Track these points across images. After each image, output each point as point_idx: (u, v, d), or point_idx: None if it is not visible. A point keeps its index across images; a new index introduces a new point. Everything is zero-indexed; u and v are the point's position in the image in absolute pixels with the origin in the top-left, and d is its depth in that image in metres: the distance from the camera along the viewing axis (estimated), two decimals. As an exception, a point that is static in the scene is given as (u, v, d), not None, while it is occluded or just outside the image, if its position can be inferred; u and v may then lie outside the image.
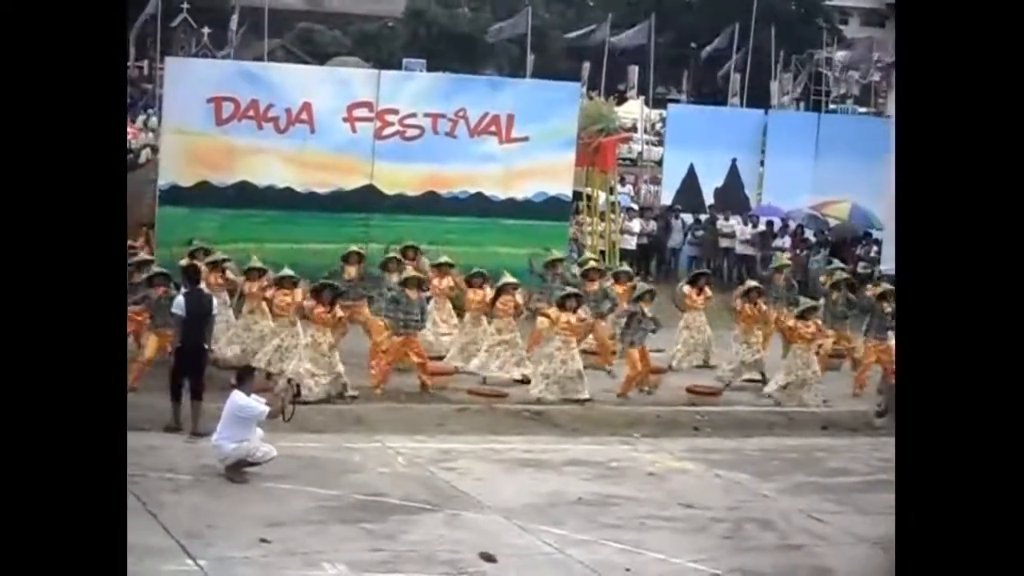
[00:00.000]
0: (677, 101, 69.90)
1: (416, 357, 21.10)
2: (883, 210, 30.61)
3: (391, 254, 23.54)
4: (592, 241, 31.28)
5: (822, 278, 26.93)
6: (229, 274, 22.49)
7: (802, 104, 77.04)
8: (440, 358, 22.83)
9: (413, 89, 27.74)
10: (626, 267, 26.82)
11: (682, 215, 35.95)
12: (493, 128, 27.32)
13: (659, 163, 44.23)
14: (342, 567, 13.48)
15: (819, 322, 22.77)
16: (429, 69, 59.04)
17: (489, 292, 22.60)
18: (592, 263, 25.42)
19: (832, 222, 34.92)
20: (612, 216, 32.46)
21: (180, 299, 18.37)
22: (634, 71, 73.32)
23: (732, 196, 36.40)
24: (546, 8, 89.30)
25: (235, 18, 73.24)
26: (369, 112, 26.57)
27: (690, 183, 36.64)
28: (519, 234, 27.09)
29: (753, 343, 23.45)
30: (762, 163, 37.55)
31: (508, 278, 22.59)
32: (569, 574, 14.01)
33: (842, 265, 28.13)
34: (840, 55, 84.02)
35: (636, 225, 34.68)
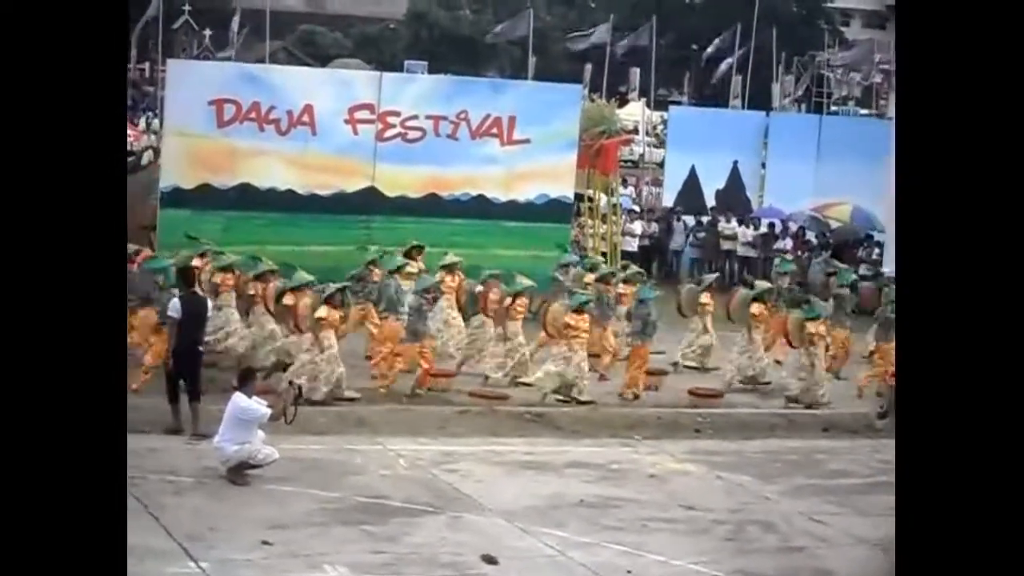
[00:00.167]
0: (679, 103, 69.92)
1: (424, 362, 21.09)
2: (884, 212, 30.64)
3: (403, 261, 23.41)
4: (594, 243, 31.29)
5: (830, 280, 26.92)
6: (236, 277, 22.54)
7: (803, 106, 77.01)
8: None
9: (414, 91, 27.79)
10: (636, 269, 26.75)
11: (683, 217, 35.95)
12: (495, 130, 27.36)
13: (660, 165, 44.22)
14: (343, 569, 13.49)
15: (828, 323, 22.79)
16: (431, 71, 59.05)
17: (502, 295, 22.61)
18: (604, 267, 25.49)
19: (833, 224, 34.92)
20: (614, 218, 32.45)
21: (176, 302, 18.38)
22: (635, 73, 73.31)
23: (733, 198, 36.41)
24: (548, 10, 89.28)
25: (236, 20, 73.21)
26: (371, 114, 26.61)
27: (691, 185, 36.64)
28: (520, 236, 27.14)
29: (762, 346, 23.50)
30: (763, 165, 37.56)
31: (524, 281, 22.64)
32: (570, 576, 14.03)
33: (844, 267, 28.04)
34: (841, 57, 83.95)
35: (638, 227, 34.72)
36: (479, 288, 23.17)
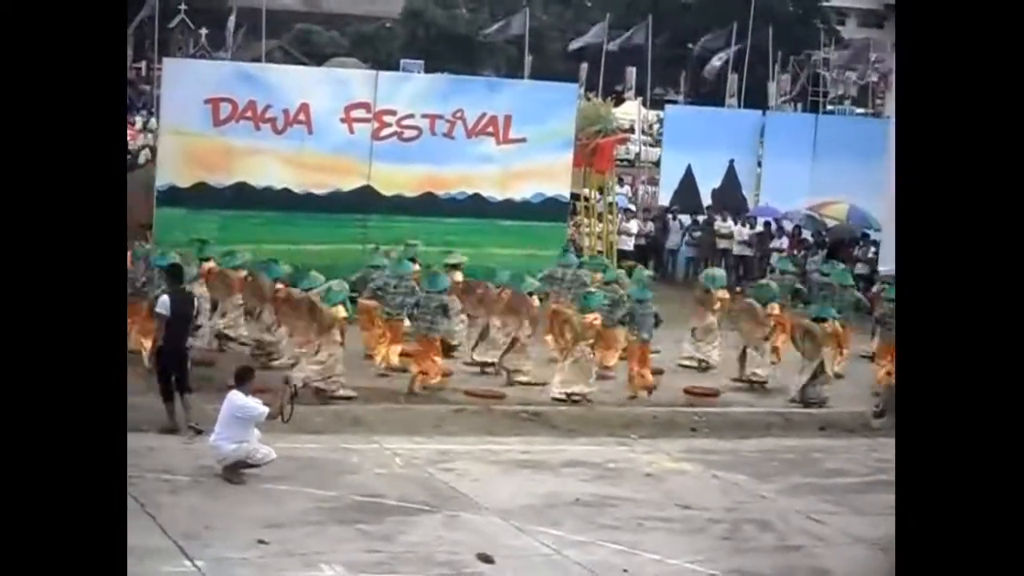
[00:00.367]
0: (675, 102, 69.91)
1: (433, 362, 21.12)
2: (881, 211, 30.64)
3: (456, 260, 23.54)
4: (590, 242, 31.27)
5: (830, 279, 26.92)
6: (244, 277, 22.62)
7: (799, 105, 77.02)
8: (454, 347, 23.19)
9: (411, 90, 27.79)
10: (648, 272, 26.74)
11: (680, 216, 35.94)
12: (491, 129, 27.35)
13: (657, 164, 44.25)
14: (339, 568, 13.48)
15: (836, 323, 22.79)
16: (427, 70, 59.05)
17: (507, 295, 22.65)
18: (611, 268, 25.50)
19: (830, 223, 34.92)
20: (610, 217, 32.46)
21: (165, 299, 18.32)
22: (632, 72, 73.34)
23: (730, 197, 36.40)
24: (544, 9, 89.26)
25: (232, 19, 73.18)
26: (367, 113, 26.60)
27: (688, 184, 36.63)
28: (517, 235, 27.14)
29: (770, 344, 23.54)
30: (760, 164, 37.56)
31: (533, 282, 22.68)
32: (566, 575, 14.00)
33: (843, 266, 28.00)
34: (838, 56, 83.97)
35: (634, 226, 34.72)
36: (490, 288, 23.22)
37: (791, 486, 17.99)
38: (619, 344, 22.71)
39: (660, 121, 52.95)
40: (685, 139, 37.06)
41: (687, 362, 24.27)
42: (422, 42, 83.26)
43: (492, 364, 22.35)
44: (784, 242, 34.18)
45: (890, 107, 49.00)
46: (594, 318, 21.24)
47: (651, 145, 54.56)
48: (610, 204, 32.82)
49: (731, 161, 36.62)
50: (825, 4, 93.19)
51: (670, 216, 35.90)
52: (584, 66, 70.66)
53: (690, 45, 78.63)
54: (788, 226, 34.81)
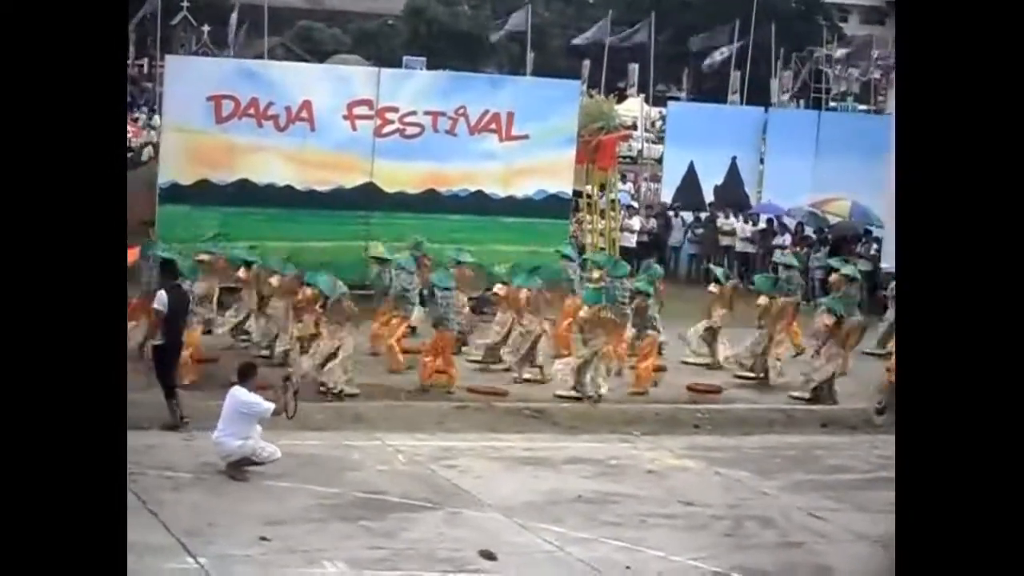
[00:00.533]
0: (677, 99, 69.95)
1: (445, 355, 21.16)
2: (883, 208, 30.62)
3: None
4: (592, 239, 31.28)
5: (833, 276, 26.89)
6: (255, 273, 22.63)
7: (802, 102, 77.03)
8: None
9: (413, 87, 27.81)
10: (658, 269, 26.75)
11: (682, 213, 35.94)
12: (493, 126, 27.38)
13: (659, 161, 44.29)
14: (342, 565, 13.48)
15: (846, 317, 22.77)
16: (429, 67, 59.03)
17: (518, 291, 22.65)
18: (623, 265, 25.50)
19: (832, 220, 34.90)
20: (612, 214, 32.46)
21: (163, 295, 18.30)
22: (634, 69, 73.35)
23: (732, 194, 36.40)
24: (546, 6, 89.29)
25: (235, 16, 73.24)
26: (369, 110, 26.63)
27: (690, 181, 36.63)
28: (519, 232, 27.16)
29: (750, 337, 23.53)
30: (762, 161, 37.55)
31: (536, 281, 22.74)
32: (569, 572, 14.01)
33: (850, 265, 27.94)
34: (840, 52, 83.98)
35: (636, 223, 34.71)
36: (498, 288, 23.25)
37: (793, 483, 17.99)
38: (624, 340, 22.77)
39: (662, 118, 52.93)
40: (687, 136, 37.05)
41: (692, 359, 24.26)
42: (424, 39, 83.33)
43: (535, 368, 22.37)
44: (786, 239, 34.16)
45: (892, 104, 48.93)
46: (608, 314, 21.32)
47: (653, 142, 54.59)
48: (612, 201, 32.82)
49: (733, 158, 36.61)
50: (827, 1, 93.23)
51: (672, 213, 35.89)
52: (586, 63, 70.78)
53: (692, 41, 78.64)
54: (790, 223, 34.78)
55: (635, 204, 38.13)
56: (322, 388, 19.93)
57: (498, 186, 27.48)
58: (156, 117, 48.30)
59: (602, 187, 32.14)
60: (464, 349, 23.09)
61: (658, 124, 58.51)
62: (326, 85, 27.03)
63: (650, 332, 22.27)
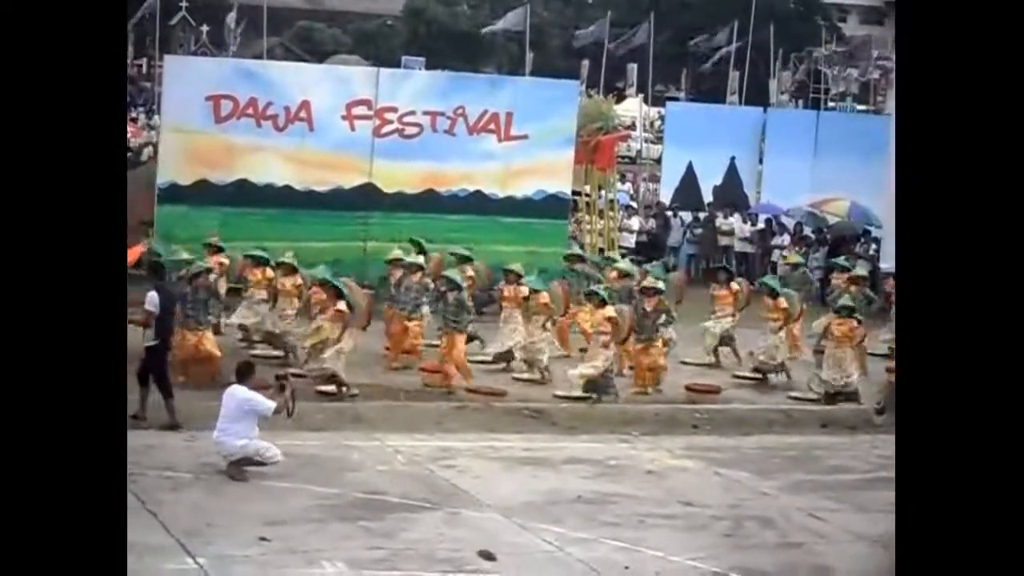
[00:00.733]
0: (676, 99, 69.96)
1: (456, 357, 21.22)
2: (882, 208, 30.64)
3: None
4: (591, 239, 31.28)
5: (834, 275, 26.87)
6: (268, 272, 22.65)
7: (800, 102, 77.03)
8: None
9: (412, 87, 27.81)
10: (657, 265, 26.73)
11: (681, 213, 35.94)
12: (492, 126, 27.37)
13: (658, 161, 44.29)
14: (341, 565, 13.47)
15: (857, 320, 22.73)
16: (428, 67, 59.09)
17: (524, 290, 22.64)
18: (623, 263, 25.48)
19: (831, 220, 34.91)
20: (611, 214, 32.46)
21: (154, 295, 18.27)
22: (633, 69, 73.35)
23: (731, 194, 36.39)
24: (545, 6, 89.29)
25: (234, 16, 73.23)
26: (368, 110, 26.62)
27: (689, 181, 36.61)
28: (518, 232, 27.15)
29: (769, 338, 23.46)
30: (761, 161, 37.53)
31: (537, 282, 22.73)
32: (568, 572, 14.00)
33: (843, 263, 27.90)
34: (839, 53, 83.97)
35: (635, 223, 34.73)
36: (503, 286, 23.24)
37: (793, 483, 17.98)
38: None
39: (661, 118, 52.96)
40: (686, 136, 37.03)
41: (691, 359, 24.26)
42: (423, 39, 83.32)
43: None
44: (785, 239, 34.18)
45: (891, 104, 48.95)
46: (602, 314, 21.32)
47: (652, 142, 54.61)
48: (611, 201, 32.82)
49: (732, 158, 36.59)
50: (826, 1, 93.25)
51: (671, 213, 35.89)
52: (585, 63, 70.78)
53: (691, 41, 78.67)
54: (789, 223, 34.80)
55: (634, 204, 38.14)
56: (321, 388, 19.95)
57: (497, 186, 27.47)
58: (156, 117, 48.27)
59: (601, 187, 32.13)
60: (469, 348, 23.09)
61: (657, 124, 58.53)
62: (325, 85, 27.02)
63: (663, 332, 22.28)
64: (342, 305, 20.30)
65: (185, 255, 21.89)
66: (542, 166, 27.68)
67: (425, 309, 22.64)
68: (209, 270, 21.19)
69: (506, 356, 22.66)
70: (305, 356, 20.86)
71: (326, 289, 20.67)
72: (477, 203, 27.23)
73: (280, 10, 78.16)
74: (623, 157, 47.52)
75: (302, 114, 26.16)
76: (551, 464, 17.93)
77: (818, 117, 41.60)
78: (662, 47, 75.04)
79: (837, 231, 34.28)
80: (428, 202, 26.87)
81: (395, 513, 15.26)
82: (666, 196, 37.42)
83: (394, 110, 26.78)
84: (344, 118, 26.47)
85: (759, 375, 23.36)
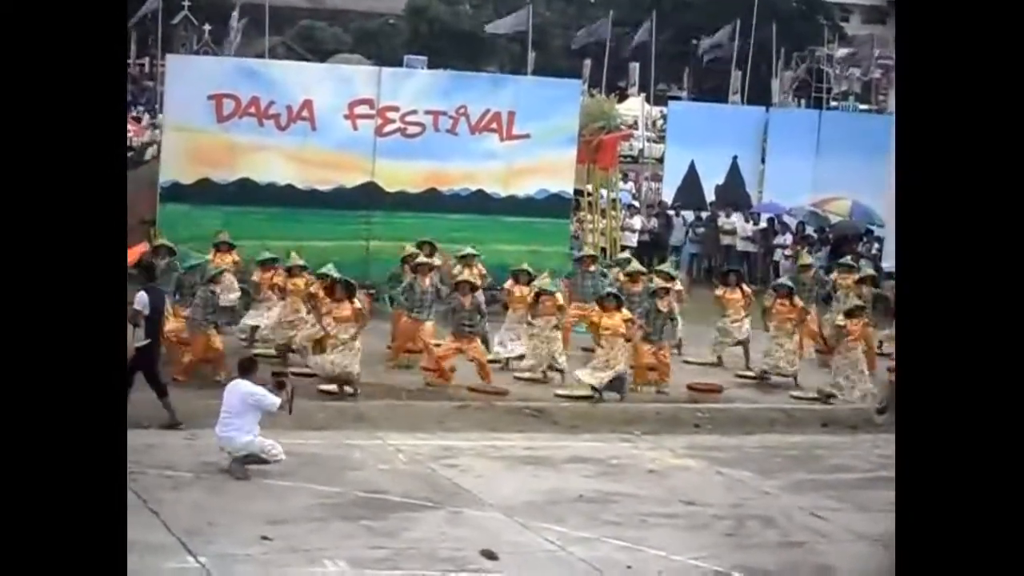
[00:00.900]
0: (678, 98, 69.91)
1: (478, 358, 21.34)
2: (884, 207, 30.65)
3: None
4: (593, 238, 31.27)
5: (835, 275, 26.85)
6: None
7: (803, 101, 76.99)
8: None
9: (414, 86, 27.82)
10: (668, 266, 26.73)
11: (683, 212, 35.93)
12: (494, 125, 27.38)
13: (660, 160, 44.22)
14: (343, 564, 13.47)
15: (866, 320, 22.70)
16: (430, 66, 59.00)
17: (531, 290, 22.64)
18: (635, 264, 25.41)
19: (833, 219, 34.92)
20: (613, 213, 32.45)
21: (143, 295, 18.28)
22: (635, 68, 73.31)
23: (733, 193, 36.37)
24: (547, 5, 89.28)
25: (236, 15, 73.26)
26: (370, 109, 26.64)
27: (691, 180, 36.59)
28: (520, 231, 27.16)
29: (786, 342, 23.37)
30: (763, 160, 37.51)
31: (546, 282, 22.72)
32: (570, 571, 14.00)
33: (851, 263, 27.84)
34: (841, 52, 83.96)
35: (637, 222, 34.71)
36: (509, 284, 23.21)
37: (794, 482, 17.98)
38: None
39: (664, 117, 52.86)
40: (689, 135, 37.01)
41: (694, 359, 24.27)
42: (425, 38, 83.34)
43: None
44: (787, 238, 34.18)
45: (893, 103, 48.90)
46: (612, 316, 21.32)
47: (655, 141, 54.51)
48: (613, 200, 32.81)
49: (734, 157, 36.57)
50: (829, 0, 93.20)
51: (673, 212, 35.89)
52: (587, 62, 70.73)
53: (694, 41, 78.66)
54: (791, 222, 34.80)
55: (636, 203, 38.12)
56: (326, 388, 19.97)
57: (499, 185, 27.48)
58: (158, 116, 48.26)
59: (603, 186, 32.12)
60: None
61: (659, 123, 58.45)
62: (327, 84, 27.03)
63: (671, 331, 22.32)
64: (357, 303, 20.37)
65: (194, 256, 21.94)
66: (544, 165, 27.69)
67: (434, 309, 22.61)
68: (224, 272, 21.36)
69: (520, 359, 22.65)
70: (312, 354, 20.89)
71: (338, 288, 20.61)
72: (479, 202, 27.24)
73: (282, 9, 78.21)
74: (625, 156, 47.48)
75: (304, 113, 26.18)
76: (553, 463, 17.94)
77: (820, 116, 41.59)
78: (664, 46, 75.02)
79: (839, 231, 34.30)
80: (430, 201, 26.88)
81: (397, 512, 15.26)
82: (668, 195, 37.39)
83: (396, 109, 26.80)
84: (346, 117, 26.48)
85: (762, 375, 23.34)
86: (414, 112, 26.86)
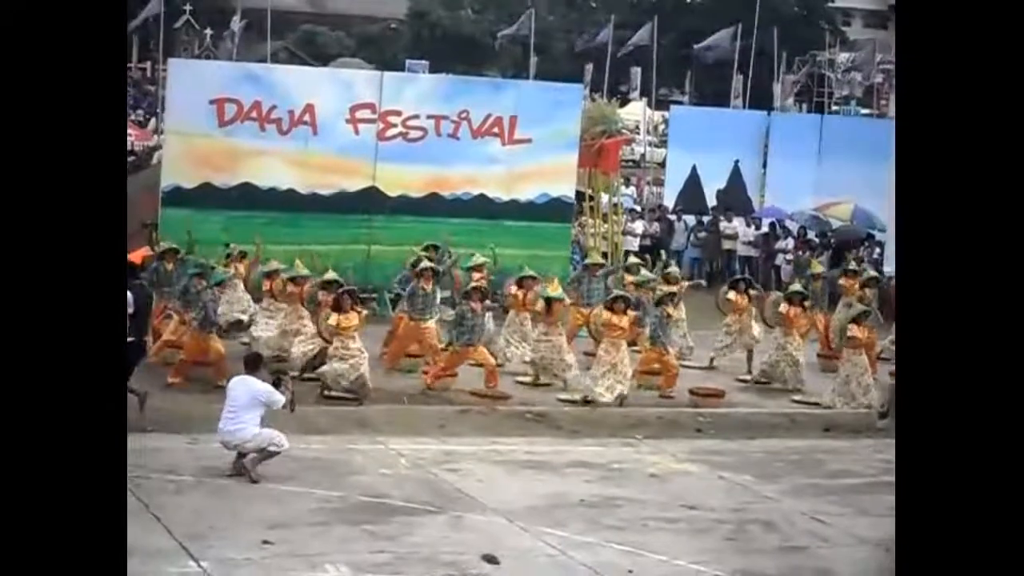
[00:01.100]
0: (680, 103, 69.86)
1: (486, 363, 21.33)
2: (886, 211, 30.61)
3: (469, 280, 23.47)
4: (595, 243, 31.27)
5: (841, 279, 26.82)
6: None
7: (804, 106, 76.98)
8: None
9: (416, 91, 27.84)
10: (674, 268, 26.68)
11: (685, 216, 35.93)
12: (496, 130, 27.40)
13: (662, 164, 44.16)
14: (344, 568, 13.48)
15: (872, 326, 22.68)
16: (432, 71, 59.04)
17: (536, 296, 22.61)
18: (644, 272, 25.36)
19: (835, 224, 34.91)
20: (615, 218, 32.44)
21: (127, 295, 18.27)
22: (637, 73, 73.30)
23: (735, 198, 36.36)
24: (549, 10, 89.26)
25: (238, 19, 73.20)
26: (372, 114, 26.66)
27: (693, 184, 36.59)
28: (522, 236, 27.16)
29: (792, 347, 23.31)
30: (765, 164, 37.49)
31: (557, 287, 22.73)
32: (571, 576, 14.03)
33: (856, 268, 27.78)
34: (843, 57, 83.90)
35: (639, 226, 34.70)
36: (513, 289, 23.20)
37: (796, 487, 17.98)
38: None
39: (665, 122, 52.83)
40: (690, 140, 37.00)
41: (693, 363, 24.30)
42: (427, 43, 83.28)
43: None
44: (789, 243, 34.16)
45: (894, 107, 48.89)
46: (619, 319, 21.30)
47: (656, 146, 54.47)
48: (615, 205, 32.78)
49: (736, 162, 36.56)
50: (830, 5, 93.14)
51: (675, 216, 35.89)
52: (589, 67, 70.71)
53: (695, 45, 78.65)
54: (793, 227, 34.79)
55: (638, 208, 38.11)
56: (335, 395, 20.00)
57: (501, 190, 27.51)
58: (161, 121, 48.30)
59: (605, 191, 32.11)
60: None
61: (661, 128, 58.41)
62: (329, 89, 27.06)
63: (677, 337, 22.35)
64: (364, 311, 20.44)
65: (220, 272, 21.96)
66: (546, 170, 27.70)
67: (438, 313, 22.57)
68: (234, 279, 21.49)
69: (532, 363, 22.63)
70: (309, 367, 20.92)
71: (345, 300, 20.52)
72: (481, 207, 27.26)
73: (284, 14, 78.13)
74: (627, 161, 47.44)
75: (306, 118, 26.21)
76: (554, 468, 17.94)
77: (822, 121, 41.58)
78: (666, 51, 74.98)
79: (841, 235, 34.28)
80: (432, 206, 26.90)
81: (398, 516, 15.27)
82: (670, 200, 37.38)
83: (398, 114, 26.82)
84: (348, 122, 26.51)
85: (763, 380, 23.33)
86: (416, 116, 26.90)
